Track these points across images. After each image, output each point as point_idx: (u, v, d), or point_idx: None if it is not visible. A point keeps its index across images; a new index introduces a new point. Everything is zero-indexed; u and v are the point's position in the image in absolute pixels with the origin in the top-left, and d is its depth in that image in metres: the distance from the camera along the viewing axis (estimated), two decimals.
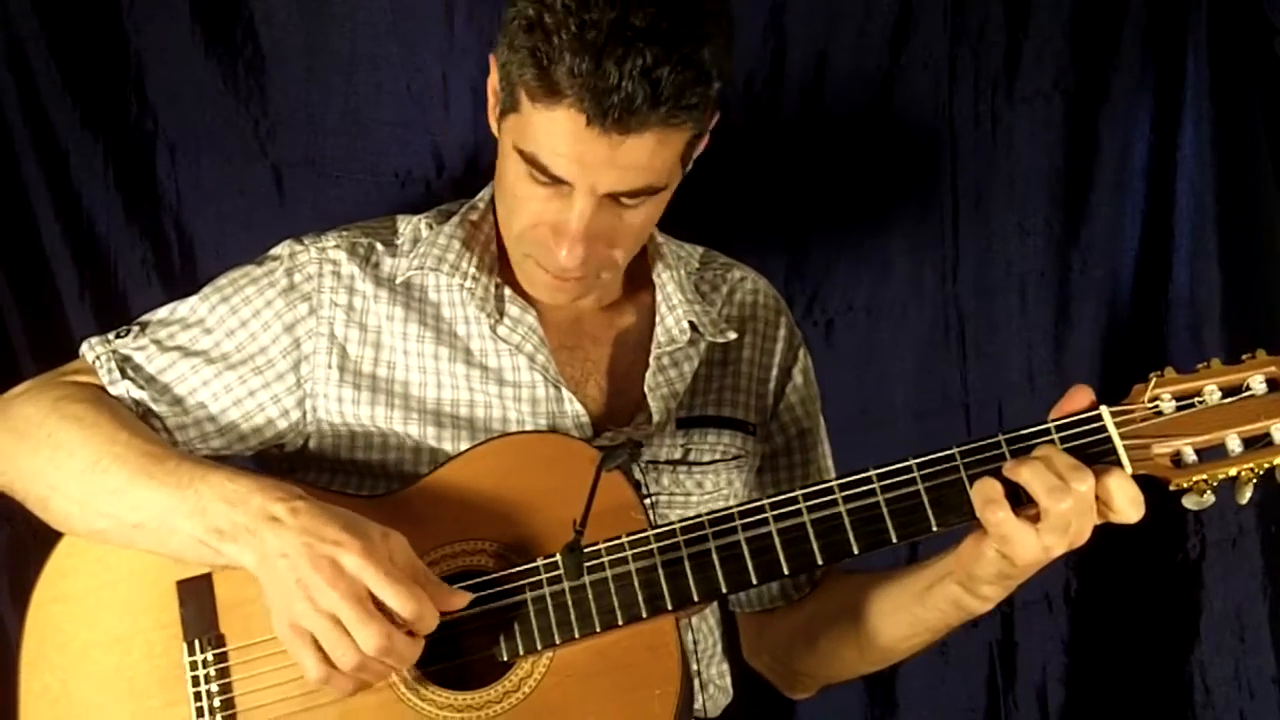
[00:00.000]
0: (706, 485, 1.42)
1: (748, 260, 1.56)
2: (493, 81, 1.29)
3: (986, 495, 1.13)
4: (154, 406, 1.32)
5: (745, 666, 1.55)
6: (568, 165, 1.22)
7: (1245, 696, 1.83)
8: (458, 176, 1.80)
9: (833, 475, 1.46)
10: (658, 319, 1.43)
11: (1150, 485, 1.15)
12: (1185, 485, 1.15)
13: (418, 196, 1.79)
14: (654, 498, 1.37)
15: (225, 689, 1.21)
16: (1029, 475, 1.12)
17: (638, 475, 1.28)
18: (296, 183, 1.79)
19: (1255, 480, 1.15)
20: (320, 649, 1.12)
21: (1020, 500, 1.13)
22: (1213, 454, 1.15)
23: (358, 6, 1.77)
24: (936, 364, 1.90)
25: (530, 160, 1.23)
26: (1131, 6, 1.83)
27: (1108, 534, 1.16)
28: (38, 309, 1.76)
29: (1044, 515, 1.11)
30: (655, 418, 1.38)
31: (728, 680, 1.51)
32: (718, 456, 1.43)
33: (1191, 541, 1.84)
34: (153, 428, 1.31)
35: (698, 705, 1.43)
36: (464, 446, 1.31)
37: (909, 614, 1.31)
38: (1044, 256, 1.88)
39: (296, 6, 1.77)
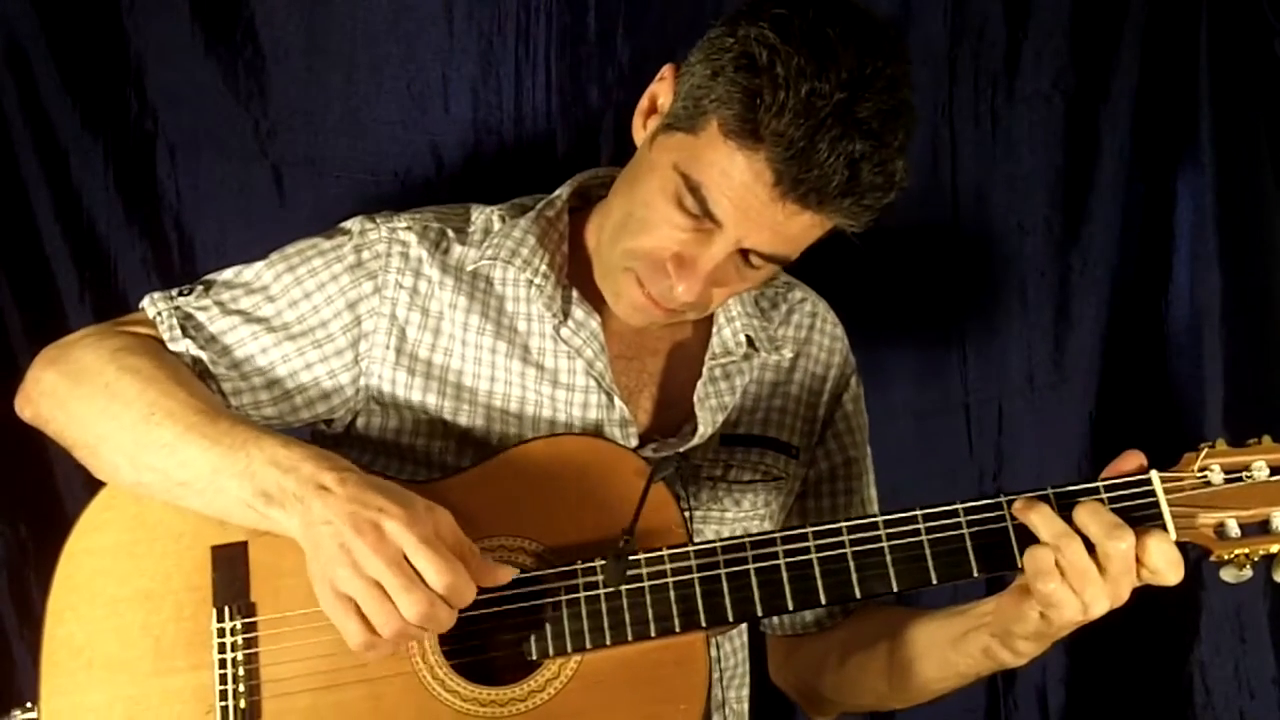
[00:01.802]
0: (744, 504, 1.42)
1: None
2: (660, 91, 1.27)
3: (1039, 567, 1.13)
4: (212, 368, 1.30)
5: (761, 693, 1.54)
6: (731, 210, 1.20)
7: (1245, 696, 1.83)
8: (458, 176, 1.79)
9: (875, 507, 1.48)
10: (715, 329, 1.41)
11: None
12: (1226, 557, 1.17)
13: (418, 196, 1.78)
14: (690, 512, 1.36)
15: (250, 659, 1.20)
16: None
17: (679, 489, 1.27)
18: (296, 183, 1.78)
19: None
20: (363, 616, 1.11)
21: None
22: (1255, 529, 1.16)
23: (358, 6, 1.76)
24: (936, 364, 1.90)
25: (692, 188, 1.21)
26: (1131, 6, 1.83)
27: None
28: (38, 309, 1.74)
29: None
30: (700, 428, 1.37)
31: (745, 706, 1.51)
32: (758, 477, 1.42)
33: None
34: (208, 390, 1.29)
35: None
36: (509, 444, 1.30)
37: (941, 655, 1.31)
38: (1044, 256, 1.88)
39: (296, 6, 1.75)
